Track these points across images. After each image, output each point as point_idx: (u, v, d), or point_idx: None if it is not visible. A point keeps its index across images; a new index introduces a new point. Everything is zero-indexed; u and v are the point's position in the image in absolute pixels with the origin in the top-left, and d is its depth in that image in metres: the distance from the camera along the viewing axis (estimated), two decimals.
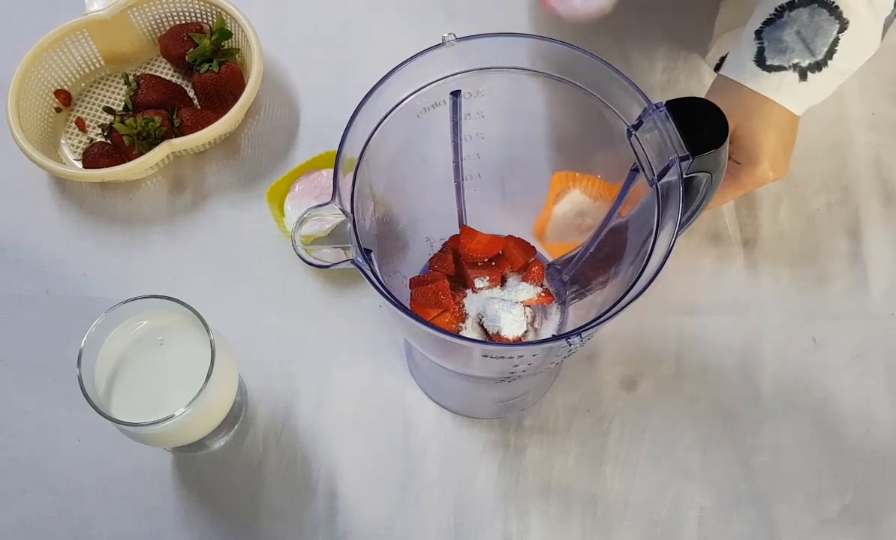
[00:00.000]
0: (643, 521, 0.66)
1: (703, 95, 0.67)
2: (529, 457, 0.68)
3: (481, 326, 0.62)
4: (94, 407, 0.56)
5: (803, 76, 0.63)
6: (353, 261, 0.45)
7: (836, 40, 0.62)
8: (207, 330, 0.58)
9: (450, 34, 0.50)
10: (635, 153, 0.50)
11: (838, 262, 0.75)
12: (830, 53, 0.62)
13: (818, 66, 0.63)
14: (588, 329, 0.44)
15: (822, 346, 0.72)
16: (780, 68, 0.63)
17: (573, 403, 0.70)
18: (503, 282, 0.64)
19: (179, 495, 0.68)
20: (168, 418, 0.56)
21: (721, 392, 0.70)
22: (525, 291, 0.63)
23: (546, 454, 0.68)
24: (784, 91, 0.63)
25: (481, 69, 0.54)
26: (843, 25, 0.62)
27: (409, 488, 0.67)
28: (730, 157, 0.64)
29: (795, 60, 0.62)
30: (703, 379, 0.71)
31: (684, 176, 0.47)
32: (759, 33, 0.64)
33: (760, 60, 0.63)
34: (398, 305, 0.44)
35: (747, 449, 0.68)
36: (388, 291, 0.46)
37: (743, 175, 0.65)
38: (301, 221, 0.45)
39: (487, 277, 0.63)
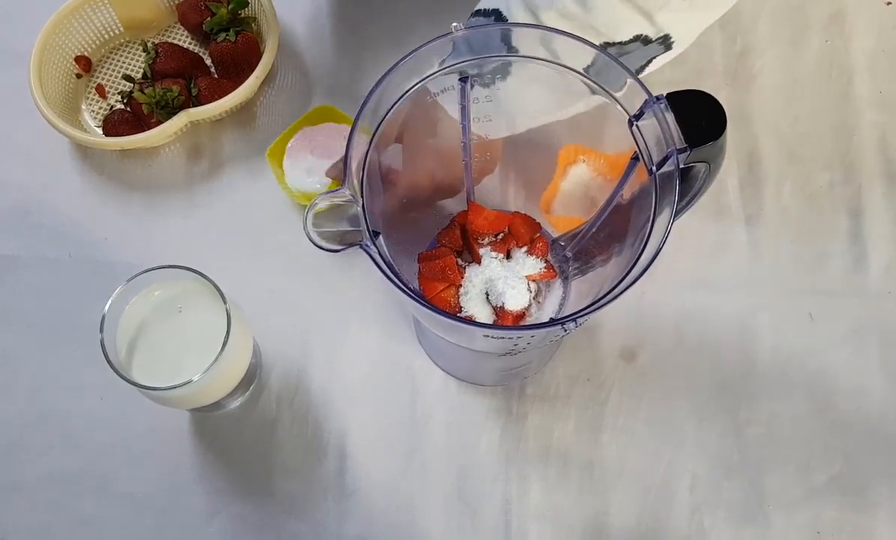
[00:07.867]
0: (637, 486, 0.69)
1: None
2: (530, 423, 0.70)
3: (486, 299, 0.64)
4: (116, 371, 0.59)
5: None
6: (361, 245, 0.46)
7: None
8: (224, 299, 0.61)
9: (458, 24, 0.51)
10: (636, 143, 0.52)
11: (838, 240, 0.76)
12: None
13: None
14: (583, 315, 0.46)
15: (819, 322, 0.73)
16: None
17: (574, 372, 0.72)
18: (508, 257, 0.66)
19: (197, 453, 0.71)
20: (186, 383, 0.58)
21: (717, 365, 0.72)
22: (529, 266, 0.65)
23: (546, 421, 0.71)
24: None
25: (487, 57, 0.55)
26: None
27: (415, 451, 0.70)
28: None
29: None
30: (701, 352, 0.72)
31: (682, 166, 0.49)
32: None
33: None
34: (403, 289, 0.47)
35: (741, 420, 0.70)
36: (394, 274, 0.48)
37: None
38: (312, 206, 0.46)
39: (493, 252, 0.65)
